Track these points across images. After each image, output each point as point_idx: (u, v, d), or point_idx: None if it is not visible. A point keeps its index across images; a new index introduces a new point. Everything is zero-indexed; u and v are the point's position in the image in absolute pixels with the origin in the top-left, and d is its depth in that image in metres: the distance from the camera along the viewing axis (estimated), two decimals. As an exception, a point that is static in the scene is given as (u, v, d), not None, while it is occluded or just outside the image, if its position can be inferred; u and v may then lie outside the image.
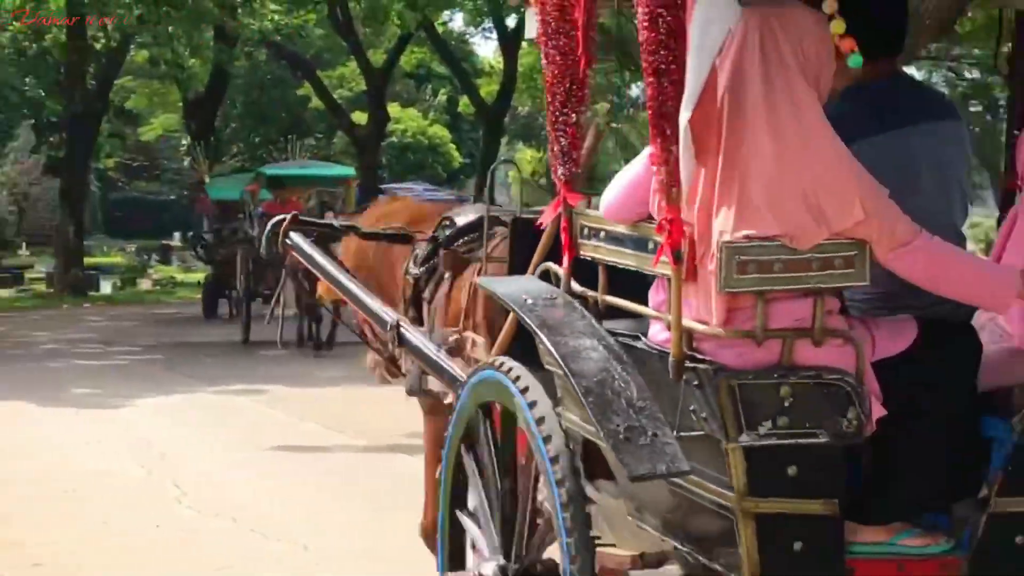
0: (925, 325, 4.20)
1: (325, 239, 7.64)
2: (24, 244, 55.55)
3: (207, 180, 28.38)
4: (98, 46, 37.76)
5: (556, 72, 4.62)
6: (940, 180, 4.48)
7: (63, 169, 39.27)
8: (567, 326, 4.37)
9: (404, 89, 58.98)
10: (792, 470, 3.92)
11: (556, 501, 4.29)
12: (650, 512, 4.43)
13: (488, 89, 48.64)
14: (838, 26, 4.01)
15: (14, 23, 41.01)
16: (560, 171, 4.75)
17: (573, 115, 4.64)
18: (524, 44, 45.01)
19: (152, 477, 10.83)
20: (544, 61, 4.70)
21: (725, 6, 3.83)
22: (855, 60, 4.04)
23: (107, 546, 8.63)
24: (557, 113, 4.67)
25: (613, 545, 4.60)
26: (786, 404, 3.87)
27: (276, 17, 40.49)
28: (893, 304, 4.28)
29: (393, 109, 47.17)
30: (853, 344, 3.91)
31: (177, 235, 57.70)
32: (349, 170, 21.07)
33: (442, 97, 64.05)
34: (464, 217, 6.51)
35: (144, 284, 40.63)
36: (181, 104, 45.87)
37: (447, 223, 6.60)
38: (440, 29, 46.61)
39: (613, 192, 4.50)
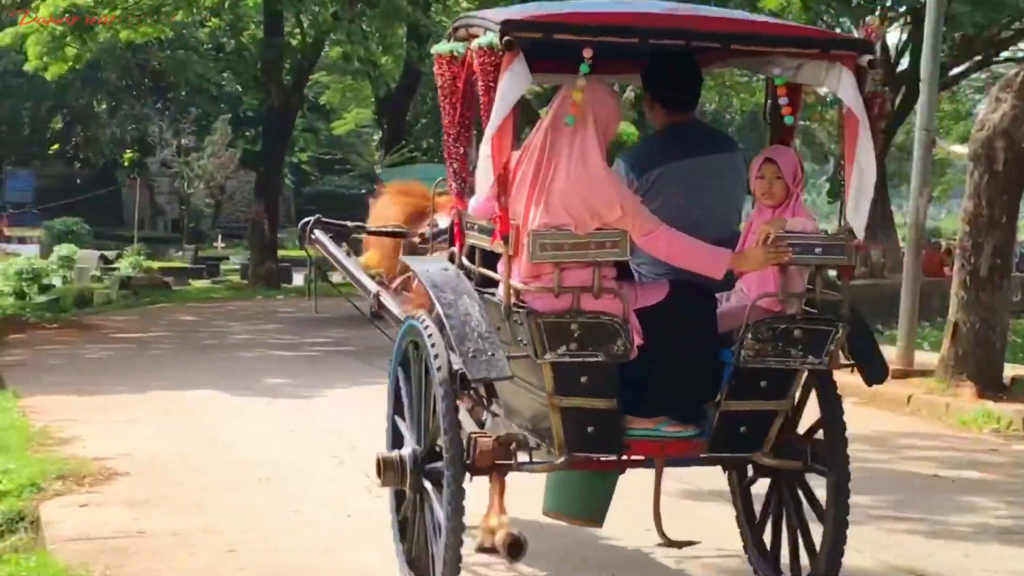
0: (676, 286, 6.59)
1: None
2: (220, 236, 56.70)
3: (379, 171, 28.50)
4: (294, 42, 38.42)
5: (449, 119, 6.91)
6: (719, 192, 7.00)
7: (259, 163, 40.08)
8: (449, 286, 6.61)
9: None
10: (583, 379, 6.29)
11: (441, 405, 6.44)
12: (511, 412, 7.13)
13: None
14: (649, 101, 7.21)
15: (212, 19, 41.89)
16: (454, 186, 7.03)
17: (462, 148, 6.94)
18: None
19: (343, 467, 11.00)
20: (441, 110, 6.97)
21: (521, 78, 6.11)
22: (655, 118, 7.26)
23: (299, 534, 8.81)
24: (451, 147, 6.95)
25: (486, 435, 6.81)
26: (575, 335, 6.19)
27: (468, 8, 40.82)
28: (657, 272, 6.79)
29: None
30: (620, 297, 6.25)
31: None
32: None
33: (629, 95, 64.01)
34: (444, 220, 8.04)
35: (335, 277, 41.02)
36: (373, 100, 46.47)
37: (433, 224, 8.21)
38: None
39: (476, 199, 6.87)
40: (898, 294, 17.16)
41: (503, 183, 6.27)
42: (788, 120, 6.94)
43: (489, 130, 6.14)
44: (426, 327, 6.71)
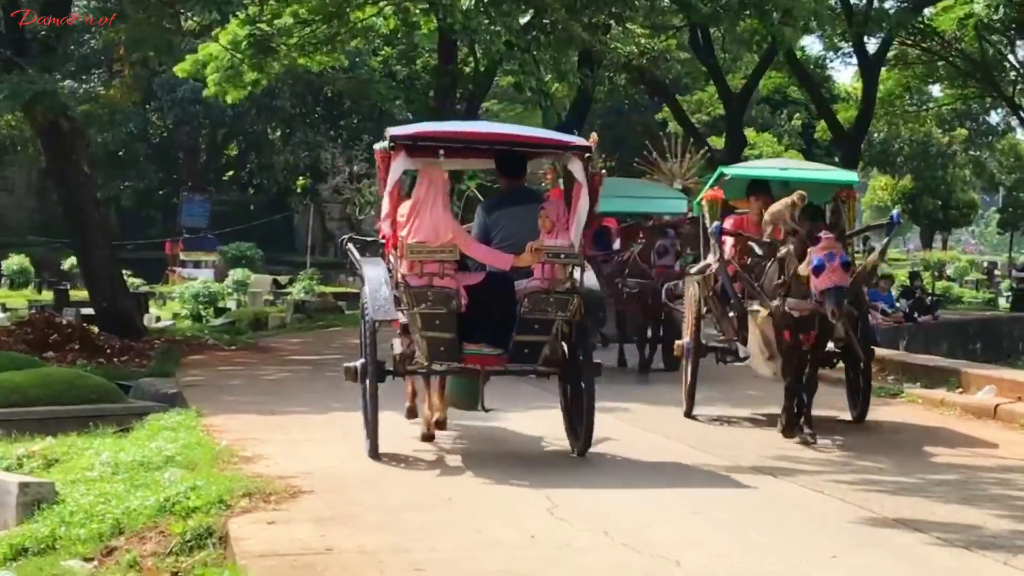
0: (490, 274, 12.59)
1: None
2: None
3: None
4: (467, 70, 38.72)
5: (383, 191, 12.79)
6: (529, 224, 12.46)
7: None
8: (374, 271, 12.79)
9: (759, 114, 58.72)
10: (436, 322, 12.07)
11: (367, 337, 12.69)
12: (417, 343, 12.49)
13: (845, 115, 48.06)
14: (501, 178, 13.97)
15: (386, 48, 42.41)
16: (385, 232, 12.84)
17: (394, 212, 12.48)
18: (883, 70, 44.53)
19: (524, 489, 11.03)
20: (379, 183, 13.21)
21: (401, 165, 12.24)
22: (501, 182, 14.04)
23: (484, 554, 8.88)
24: (387, 211, 12.66)
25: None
26: (430, 298, 12.00)
27: (642, 41, 40.89)
28: (479, 267, 12.75)
29: (749, 134, 47.06)
30: (455, 279, 12.12)
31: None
32: (850, 176, 17.04)
33: (796, 122, 63.56)
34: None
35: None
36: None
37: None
38: (799, 55, 46.28)
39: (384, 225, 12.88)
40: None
41: (393, 219, 12.52)
42: (548, 186, 13.98)
43: (386, 191, 12.61)
44: (364, 297, 12.88)
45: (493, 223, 12.95)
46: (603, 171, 12.98)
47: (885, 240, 14.91)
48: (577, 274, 12.29)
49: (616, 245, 23.00)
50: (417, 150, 12.28)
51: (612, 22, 34.33)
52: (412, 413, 14.00)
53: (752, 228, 15.33)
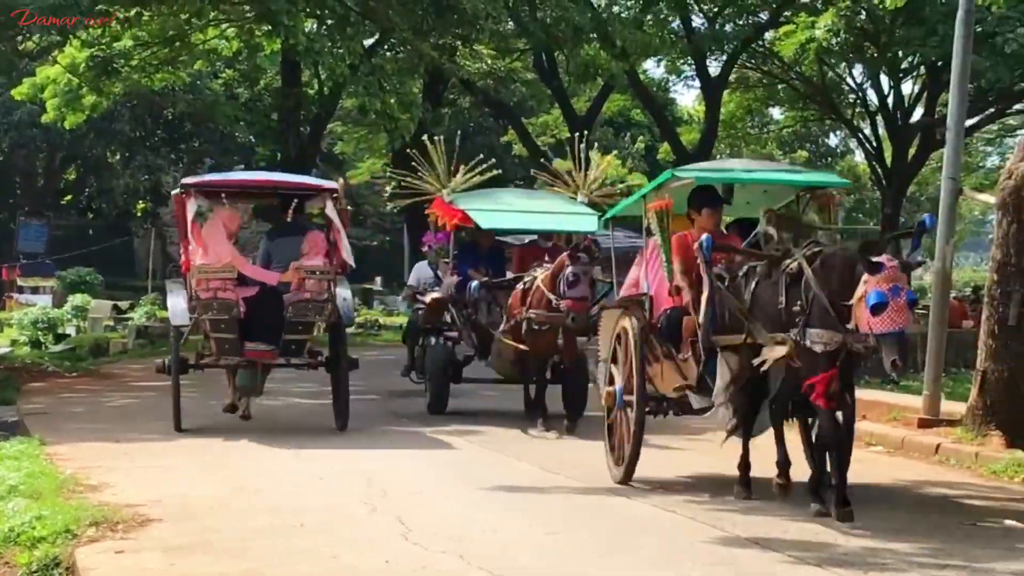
0: (263, 288, 16.13)
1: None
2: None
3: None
4: (311, 92, 38.52)
5: (180, 228, 17.23)
6: (295, 250, 16.47)
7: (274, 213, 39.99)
8: (175, 287, 16.92)
9: (604, 137, 59.06)
10: (221, 325, 15.80)
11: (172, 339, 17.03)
12: None
13: (688, 137, 48.58)
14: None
15: (227, 71, 42.03)
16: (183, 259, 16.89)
17: (187, 242, 16.46)
18: (725, 93, 45.09)
19: (376, 513, 10.93)
20: (176, 224, 18.19)
21: (193, 207, 16.07)
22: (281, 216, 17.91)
23: (341, 580, 8.77)
24: (183, 241, 16.74)
25: None
26: (215, 307, 15.73)
27: (489, 61, 40.97)
28: (249, 282, 16.22)
29: (593, 156, 47.30)
30: (235, 292, 15.77)
31: (379, 279, 58.36)
32: (835, 177, 14.74)
33: (640, 144, 64.09)
34: None
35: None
36: (388, 150, 46.53)
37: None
38: (642, 77, 46.69)
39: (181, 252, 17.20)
40: (918, 344, 17.10)
41: (186, 248, 16.28)
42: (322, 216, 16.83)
43: (186, 227, 16.13)
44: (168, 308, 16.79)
45: (272, 248, 16.96)
46: (348, 208, 17.33)
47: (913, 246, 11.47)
48: (341, 291, 16.59)
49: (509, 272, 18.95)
50: (205, 194, 16.50)
51: (459, 43, 34.33)
52: (232, 408, 16.89)
53: (691, 252, 12.02)
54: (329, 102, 39.13)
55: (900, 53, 38.91)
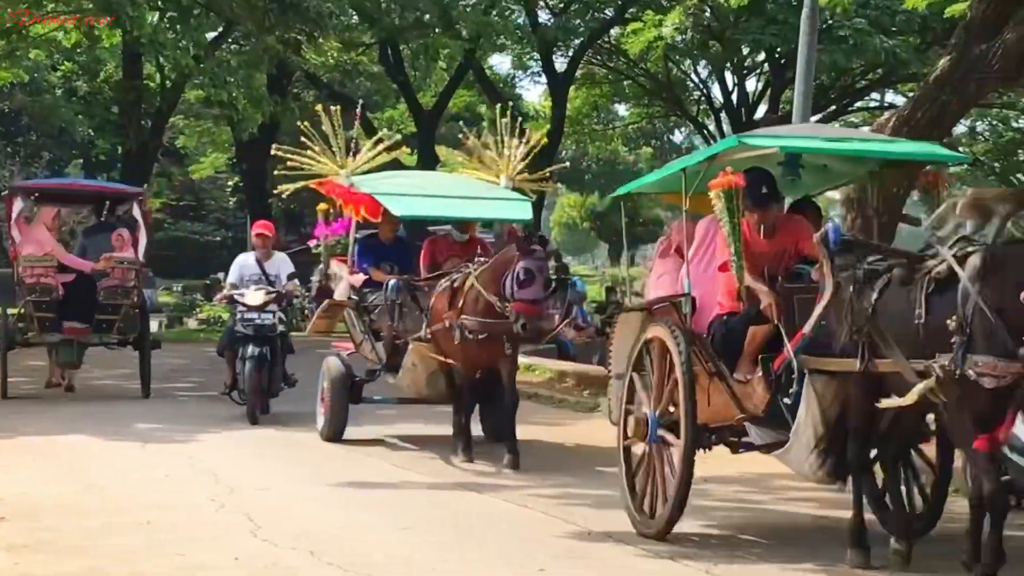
0: (79, 275, 19.01)
1: None
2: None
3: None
4: (153, 85, 38.00)
5: (8, 225, 19.34)
6: (109, 244, 19.59)
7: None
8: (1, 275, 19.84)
9: (451, 132, 59.07)
10: (44, 306, 18.46)
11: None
12: None
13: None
14: None
15: (66, 63, 41.30)
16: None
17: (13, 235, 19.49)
18: (572, 89, 45.25)
19: (224, 510, 10.81)
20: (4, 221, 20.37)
21: (20, 207, 19.18)
22: None
23: (189, 578, 8.64)
24: (9, 235, 19.33)
25: None
26: (38, 290, 18.56)
27: (335, 55, 40.72)
28: (68, 269, 19.20)
29: (440, 151, 47.29)
30: (55, 278, 18.68)
31: (222, 274, 57.79)
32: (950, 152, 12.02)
33: (488, 139, 64.20)
34: None
35: (191, 323, 40.70)
36: (231, 144, 46.10)
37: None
38: (488, 72, 46.73)
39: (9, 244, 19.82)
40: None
41: (13, 241, 18.92)
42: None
43: (12, 223, 19.01)
44: None
45: (87, 242, 20.23)
46: (151, 211, 21.20)
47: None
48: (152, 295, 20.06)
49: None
50: (30, 195, 19.62)
51: (303, 39, 34.08)
52: (54, 384, 19.56)
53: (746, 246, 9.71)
54: (171, 95, 38.61)
55: (744, 50, 39.37)
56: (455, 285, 13.95)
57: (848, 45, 33.57)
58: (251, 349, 16.46)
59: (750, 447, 10.37)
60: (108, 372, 22.49)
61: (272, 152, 16.07)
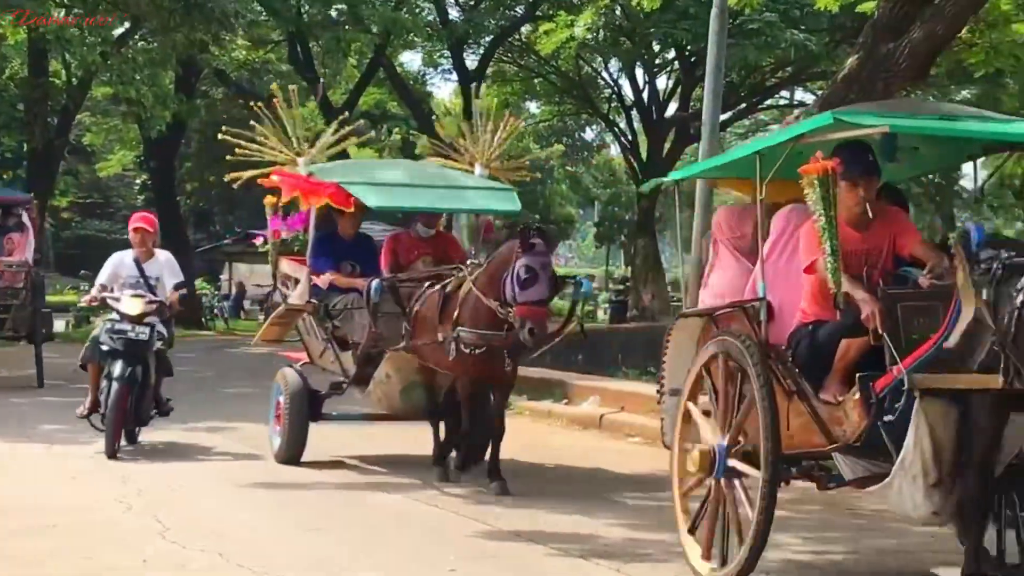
0: None
1: None
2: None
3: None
4: (59, 82, 37.59)
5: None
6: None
7: (20, 206, 38.97)
8: None
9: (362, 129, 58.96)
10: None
11: None
12: None
13: (449, 131, 48.57)
14: None
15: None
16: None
17: None
18: (483, 86, 45.26)
19: (132, 512, 10.69)
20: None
21: None
22: None
23: (97, 582, 8.52)
24: None
25: None
26: None
27: (244, 53, 40.47)
28: None
29: (349, 148, 47.13)
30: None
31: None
32: None
33: (397, 137, 64.01)
34: None
35: (98, 322, 40.22)
36: (139, 142, 45.69)
37: None
38: (399, 70, 46.66)
39: None
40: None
41: None
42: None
43: None
44: None
45: None
46: (35, 217, 21.70)
47: None
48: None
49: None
50: None
51: (208, 39, 33.80)
52: None
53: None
54: (78, 92, 38.18)
55: (656, 46, 39.50)
56: (447, 291, 12.36)
57: (759, 39, 33.75)
58: (119, 367, 13.70)
59: (840, 481, 8.83)
60: (14, 373, 22.22)
61: (220, 136, 14.10)
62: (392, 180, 13.91)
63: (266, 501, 11.48)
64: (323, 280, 13.48)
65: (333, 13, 38.39)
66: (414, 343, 12.51)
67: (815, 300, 8.36)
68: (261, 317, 41.92)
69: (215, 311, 44.46)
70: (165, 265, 14.49)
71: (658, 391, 9.99)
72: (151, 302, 14.00)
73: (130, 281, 14.22)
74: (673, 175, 10.55)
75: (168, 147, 43.72)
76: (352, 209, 13.30)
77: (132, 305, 13.86)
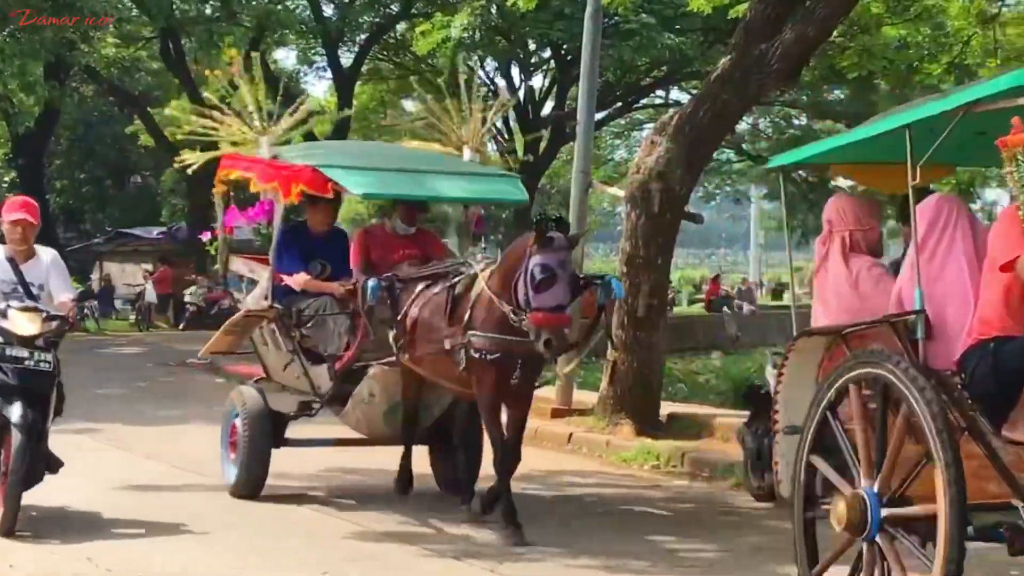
0: None
1: None
2: None
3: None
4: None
5: None
6: None
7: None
8: None
9: (235, 127, 58.51)
10: None
11: None
12: None
13: (321, 128, 48.33)
14: None
15: None
16: None
17: None
18: (358, 84, 45.11)
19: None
20: None
21: None
22: None
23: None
24: None
25: None
26: None
27: (113, 50, 39.98)
28: None
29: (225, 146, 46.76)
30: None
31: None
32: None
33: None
34: None
35: None
36: (7, 139, 45.02)
37: None
38: (273, 67, 46.34)
39: None
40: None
41: None
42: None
43: None
44: None
45: None
46: None
47: None
48: None
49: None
50: None
51: (76, 38, 33.39)
52: None
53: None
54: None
55: (531, 45, 39.58)
56: (456, 292, 10.51)
57: (634, 40, 33.94)
58: (18, 411, 9.74)
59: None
60: None
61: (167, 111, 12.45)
62: (378, 163, 11.86)
63: (144, 504, 11.29)
64: (296, 282, 11.50)
65: (208, 10, 38.10)
66: (414, 353, 10.69)
67: (1007, 309, 6.47)
68: (133, 317, 41.89)
69: (85, 311, 43.95)
70: (52, 268, 10.61)
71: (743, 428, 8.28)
72: (50, 318, 10.12)
73: (4, 289, 10.38)
74: (781, 159, 9.07)
75: (37, 143, 43.11)
76: (331, 196, 11.43)
77: (25, 323, 9.98)
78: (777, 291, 68.00)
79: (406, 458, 11.51)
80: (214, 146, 12.57)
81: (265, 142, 11.91)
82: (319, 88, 72.39)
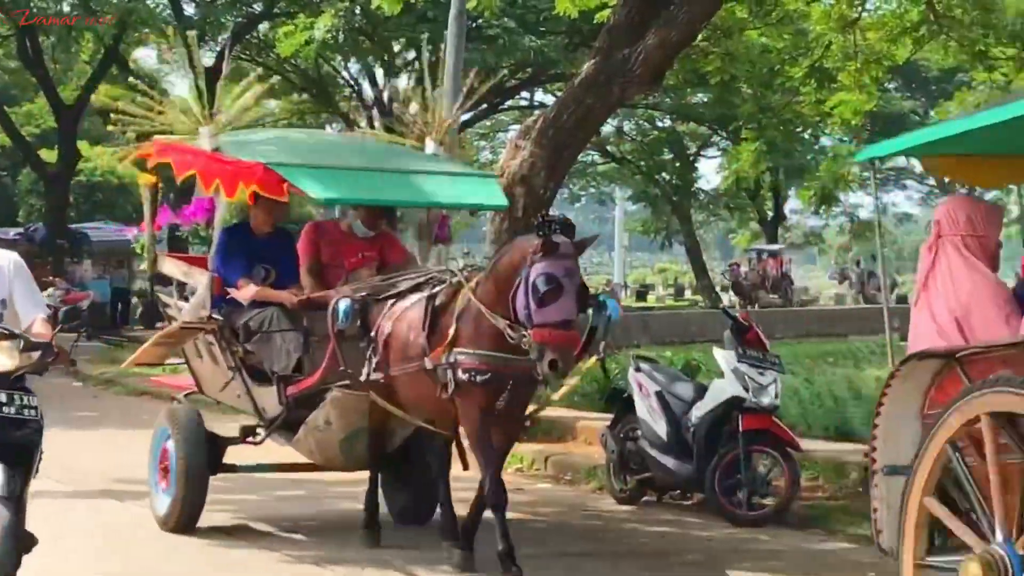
0: None
1: None
2: None
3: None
4: None
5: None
6: None
7: None
8: None
9: (94, 127, 57.74)
10: None
11: None
12: None
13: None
14: None
15: None
16: None
17: None
18: (220, 83, 44.72)
19: None
20: None
21: None
22: None
23: None
24: None
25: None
26: None
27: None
28: None
29: (83, 146, 46.14)
30: None
31: None
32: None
33: (131, 134, 63.00)
34: None
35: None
36: None
37: None
38: (133, 66, 45.86)
39: None
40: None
41: None
42: None
43: None
44: None
45: None
46: None
47: None
48: None
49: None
50: None
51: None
52: None
53: None
54: None
55: (396, 47, 39.52)
56: (437, 304, 9.31)
57: (498, 44, 34.02)
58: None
59: None
60: None
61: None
62: (336, 161, 10.60)
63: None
64: (244, 296, 10.37)
65: (66, 8, 37.52)
66: (383, 374, 9.48)
67: None
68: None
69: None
70: (15, 278, 7.39)
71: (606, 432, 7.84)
72: (31, 347, 6.88)
73: None
74: (874, 150, 7.97)
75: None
76: (284, 198, 10.22)
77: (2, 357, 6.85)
78: (641, 292, 68.46)
79: (372, 492, 10.25)
80: (146, 136, 11.31)
81: (205, 132, 10.50)
82: (182, 87, 71.88)
